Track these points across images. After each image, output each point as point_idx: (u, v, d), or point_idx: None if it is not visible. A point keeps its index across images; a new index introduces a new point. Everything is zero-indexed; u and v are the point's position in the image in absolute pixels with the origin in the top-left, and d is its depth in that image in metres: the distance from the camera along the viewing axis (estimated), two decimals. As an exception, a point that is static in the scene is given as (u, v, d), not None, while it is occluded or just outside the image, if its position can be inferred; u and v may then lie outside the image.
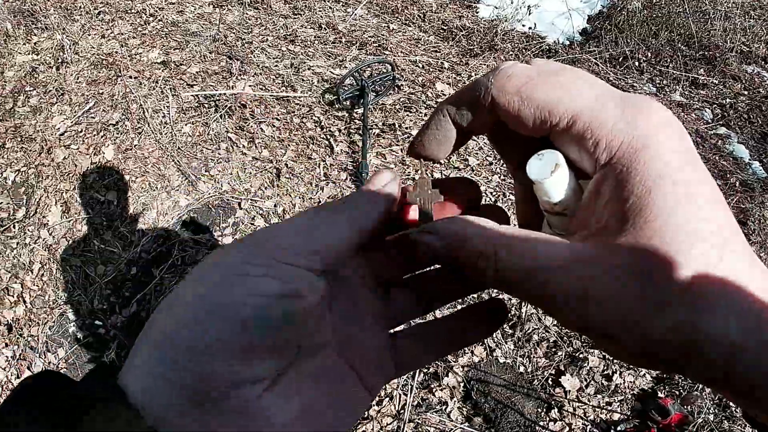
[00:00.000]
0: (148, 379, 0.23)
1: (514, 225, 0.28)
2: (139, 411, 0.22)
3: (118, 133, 2.50)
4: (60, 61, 2.85)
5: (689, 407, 1.86)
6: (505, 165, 0.31)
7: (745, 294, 0.21)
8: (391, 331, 0.32)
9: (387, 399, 1.82)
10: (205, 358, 0.23)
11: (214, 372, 0.23)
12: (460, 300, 0.34)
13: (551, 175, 0.25)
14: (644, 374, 1.93)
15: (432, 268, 0.33)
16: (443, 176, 2.22)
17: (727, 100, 3.11)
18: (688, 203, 0.22)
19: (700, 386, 1.88)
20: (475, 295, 2.00)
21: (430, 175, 0.28)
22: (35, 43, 3.01)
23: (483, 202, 0.33)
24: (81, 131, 2.52)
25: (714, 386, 0.23)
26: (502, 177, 2.39)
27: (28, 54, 2.96)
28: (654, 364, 0.23)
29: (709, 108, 3.07)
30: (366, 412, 1.81)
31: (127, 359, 0.25)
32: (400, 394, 1.83)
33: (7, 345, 2.00)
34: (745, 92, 3.18)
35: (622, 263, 0.22)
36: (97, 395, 0.23)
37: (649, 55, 3.30)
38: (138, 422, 0.22)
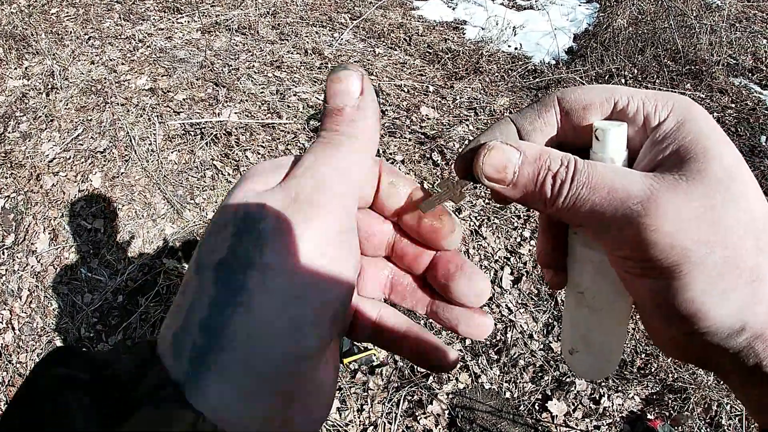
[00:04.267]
0: (233, 396, 0.23)
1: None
2: (202, 412, 0.22)
3: (105, 161, 2.51)
4: (50, 86, 2.87)
5: (680, 428, 1.85)
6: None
7: None
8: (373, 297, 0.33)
9: (372, 427, 1.82)
10: (301, 363, 0.24)
11: (306, 373, 0.25)
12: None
13: (618, 127, 0.28)
14: (633, 396, 1.92)
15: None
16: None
17: (715, 113, 3.12)
18: (731, 148, 0.26)
19: (691, 407, 1.87)
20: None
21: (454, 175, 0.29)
22: (26, 68, 3.03)
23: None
24: (69, 158, 2.53)
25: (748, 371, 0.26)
26: (486, 201, 2.40)
27: (19, 79, 2.98)
28: (731, 276, 0.25)
29: (696, 123, 3.08)
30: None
31: (190, 355, 0.23)
32: (384, 423, 1.82)
33: (-4, 371, 2.00)
34: (733, 105, 3.18)
35: (689, 180, 0.25)
36: (148, 391, 0.22)
37: (636, 71, 3.32)
38: (201, 426, 0.21)
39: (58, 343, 2.07)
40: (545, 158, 0.27)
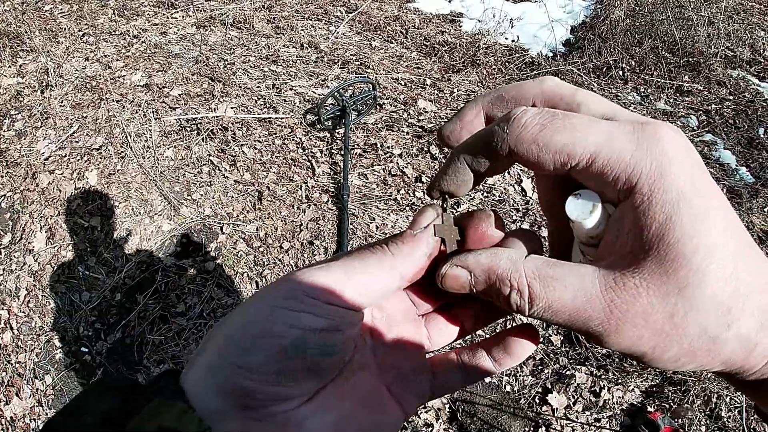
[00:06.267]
0: (202, 384, 0.28)
1: (546, 254, 0.30)
2: (193, 406, 0.27)
3: (101, 158, 2.49)
4: (44, 84, 2.85)
5: (680, 420, 1.85)
6: (539, 201, 0.33)
7: (757, 296, 0.25)
8: (429, 355, 0.36)
9: (372, 423, 1.81)
10: (247, 376, 0.27)
11: (256, 388, 0.27)
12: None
13: (590, 215, 0.27)
14: (633, 389, 1.92)
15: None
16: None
17: (713, 106, 3.11)
18: (703, 226, 0.24)
19: (691, 399, 1.87)
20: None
21: (452, 209, 0.29)
22: (20, 66, 3.01)
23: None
24: (65, 156, 2.51)
25: (734, 380, 0.28)
26: (484, 194, 2.40)
27: (14, 77, 2.96)
28: (684, 366, 0.27)
29: (694, 115, 3.07)
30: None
31: (189, 361, 0.30)
32: (385, 418, 1.82)
33: (-5, 371, 1.99)
34: (731, 97, 3.18)
35: (650, 285, 0.25)
36: (161, 388, 0.28)
37: (633, 63, 3.31)
38: (190, 415, 0.26)
39: (57, 342, 2.06)
40: (493, 279, 0.28)
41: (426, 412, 1.84)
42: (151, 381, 0.29)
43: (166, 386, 0.28)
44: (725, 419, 1.85)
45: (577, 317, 0.26)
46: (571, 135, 0.26)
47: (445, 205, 0.32)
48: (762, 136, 2.94)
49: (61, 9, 3.46)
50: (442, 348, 0.36)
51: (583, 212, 0.28)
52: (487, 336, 0.36)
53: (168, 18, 3.35)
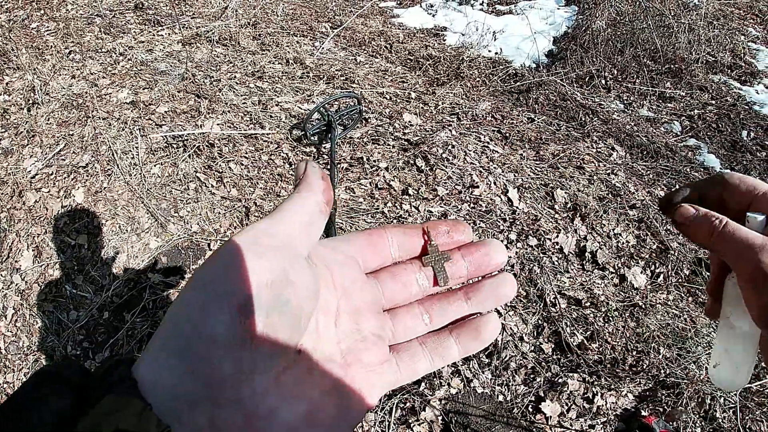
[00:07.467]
0: (159, 370, 0.27)
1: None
2: (150, 403, 0.25)
3: (87, 176, 2.48)
4: (31, 102, 2.84)
5: (674, 423, 1.86)
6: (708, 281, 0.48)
7: None
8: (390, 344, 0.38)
9: (365, 436, 1.80)
10: (209, 345, 0.26)
11: (220, 359, 0.27)
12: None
13: (759, 219, 0.41)
14: (626, 394, 1.93)
15: (439, 290, 0.41)
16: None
17: (695, 111, 3.15)
18: None
19: (685, 401, 1.88)
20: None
21: (435, 243, 0.37)
22: (7, 83, 3.00)
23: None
24: (51, 174, 2.50)
25: None
26: (471, 205, 2.41)
27: (0, 94, 2.95)
28: None
29: (677, 120, 3.11)
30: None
31: (145, 350, 0.28)
32: (378, 431, 1.81)
33: (-19, 392, 1.97)
34: (713, 102, 3.22)
35: None
36: (114, 382, 0.26)
37: (616, 72, 3.35)
38: (147, 413, 0.25)
39: (45, 361, 2.04)
40: (710, 214, 0.41)
41: (419, 424, 1.83)
42: (104, 372, 0.27)
43: (120, 380, 0.26)
44: (720, 420, 1.85)
45: (747, 241, 0.38)
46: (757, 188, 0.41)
47: (432, 241, 0.39)
48: (745, 138, 2.99)
49: (48, 27, 3.46)
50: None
51: (756, 216, 0.41)
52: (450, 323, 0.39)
53: (154, 35, 3.36)
